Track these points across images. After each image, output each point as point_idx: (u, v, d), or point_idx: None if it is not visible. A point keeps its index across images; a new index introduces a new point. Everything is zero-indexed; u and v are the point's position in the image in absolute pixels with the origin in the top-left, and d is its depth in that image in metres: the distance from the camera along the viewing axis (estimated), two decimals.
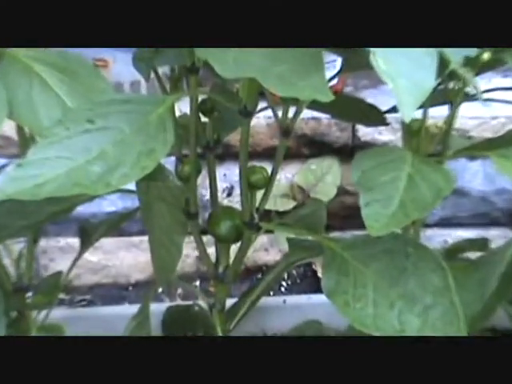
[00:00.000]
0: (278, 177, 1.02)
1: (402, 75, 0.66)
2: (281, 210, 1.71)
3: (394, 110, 1.10)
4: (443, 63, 0.80)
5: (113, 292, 1.82)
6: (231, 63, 0.72)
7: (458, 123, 1.06)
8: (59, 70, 0.80)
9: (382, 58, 0.66)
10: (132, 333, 1.25)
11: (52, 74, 0.80)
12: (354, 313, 0.85)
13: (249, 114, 0.91)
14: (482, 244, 1.32)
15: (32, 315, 1.13)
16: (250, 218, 1.01)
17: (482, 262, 1.15)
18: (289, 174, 1.78)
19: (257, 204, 1.03)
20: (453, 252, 1.33)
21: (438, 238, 1.91)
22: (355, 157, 0.88)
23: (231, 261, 1.09)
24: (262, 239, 1.84)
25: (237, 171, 0.98)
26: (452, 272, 0.86)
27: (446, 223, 1.91)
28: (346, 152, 1.77)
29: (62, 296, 1.75)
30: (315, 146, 1.76)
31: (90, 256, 1.79)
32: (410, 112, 0.65)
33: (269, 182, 1.01)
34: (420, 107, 0.71)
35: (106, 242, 1.79)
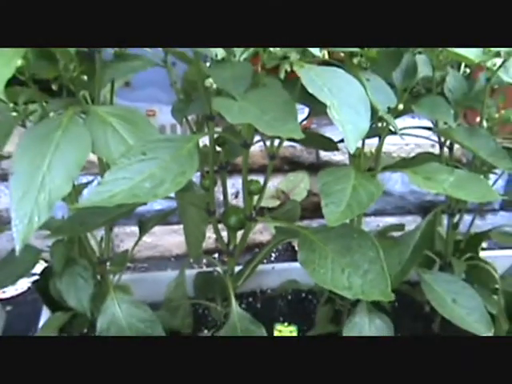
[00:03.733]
0: (267, 185, 1.02)
1: (348, 122, 0.67)
2: (270, 206, 1.71)
3: (343, 141, 1.10)
4: (375, 111, 0.80)
5: (161, 262, 1.82)
6: (236, 113, 0.73)
7: (384, 148, 1.07)
8: (124, 119, 0.80)
9: (335, 110, 0.67)
10: (172, 291, 1.25)
11: (119, 122, 0.80)
12: (319, 276, 0.85)
13: (247, 145, 0.91)
14: (400, 227, 1.33)
15: (110, 278, 1.13)
16: (250, 213, 1.01)
17: (401, 239, 1.16)
18: (275, 183, 1.77)
19: (254, 203, 1.02)
20: (383, 233, 1.34)
21: (373, 223, 1.92)
22: (319, 173, 0.88)
23: (238, 241, 1.09)
24: (258, 226, 1.84)
25: (241, 181, 0.99)
26: (382, 247, 0.87)
27: (378, 213, 1.92)
28: (313, 168, 1.78)
29: (128, 265, 1.75)
30: (292, 164, 1.77)
31: (146, 238, 1.79)
32: (354, 146, 0.66)
33: (262, 190, 1.01)
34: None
35: (157, 229, 1.79)
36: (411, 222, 1.92)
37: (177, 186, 0.73)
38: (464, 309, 1.05)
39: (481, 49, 0.93)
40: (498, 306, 1.18)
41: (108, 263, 1.13)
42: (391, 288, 0.84)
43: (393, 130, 1.01)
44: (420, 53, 1.06)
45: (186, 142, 0.79)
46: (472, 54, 0.87)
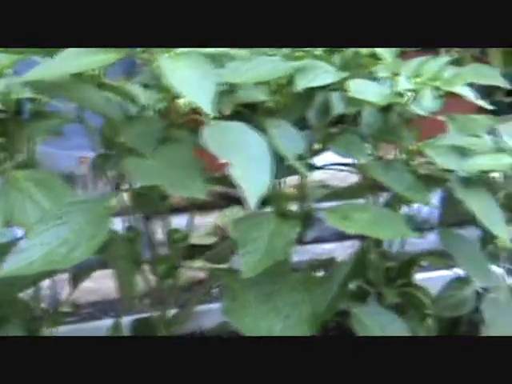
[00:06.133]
0: (207, 220, 1.02)
1: (248, 179, 0.70)
2: (207, 243, 1.71)
3: None
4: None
5: (104, 306, 1.81)
6: (144, 174, 0.75)
7: (318, 177, 1.08)
8: (40, 183, 0.82)
9: (234, 167, 0.69)
10: None
11: (36, 189, 0.81)
12: (243, 323, 0.86)
13: (165, 198, 0.93)
14: (330, 261, 1.35)
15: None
16: (178, 262, 1.02)
17: (328, 276, 1.18)
18: (212, 219, 1.78)
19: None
20: (314, 267, 1.35)
21: (313, 251, 1.93)
22: (234, 220, 0.90)
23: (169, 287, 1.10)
24: (197, 264, 1.84)
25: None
26: (307, 286, 0.89)
27: (316, 241, 1.94)
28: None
29: (71, 311, 1.74)
30: (228, 200, 1.78)
31: (88, 283, 1.77)
32: (255, 202, 0.68)
33: (187, 237, 1.02)
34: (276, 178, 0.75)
35: (98, 273, 1.79)
36: (350, 248, 1.94)
37: (91, 250, 0.74)
38: None
39: (388, 90, 0.95)
40: (430, 333, 1.20)
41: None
42: (316, 326, 0.86)
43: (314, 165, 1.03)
44: (335, 89, 1.09)
45: (100, 202, 0.81)
46: (377, 97, 0.91)
